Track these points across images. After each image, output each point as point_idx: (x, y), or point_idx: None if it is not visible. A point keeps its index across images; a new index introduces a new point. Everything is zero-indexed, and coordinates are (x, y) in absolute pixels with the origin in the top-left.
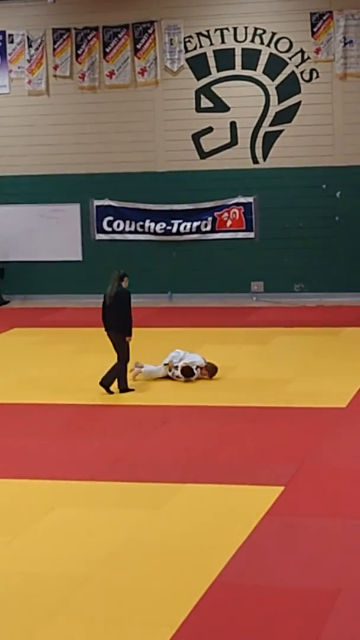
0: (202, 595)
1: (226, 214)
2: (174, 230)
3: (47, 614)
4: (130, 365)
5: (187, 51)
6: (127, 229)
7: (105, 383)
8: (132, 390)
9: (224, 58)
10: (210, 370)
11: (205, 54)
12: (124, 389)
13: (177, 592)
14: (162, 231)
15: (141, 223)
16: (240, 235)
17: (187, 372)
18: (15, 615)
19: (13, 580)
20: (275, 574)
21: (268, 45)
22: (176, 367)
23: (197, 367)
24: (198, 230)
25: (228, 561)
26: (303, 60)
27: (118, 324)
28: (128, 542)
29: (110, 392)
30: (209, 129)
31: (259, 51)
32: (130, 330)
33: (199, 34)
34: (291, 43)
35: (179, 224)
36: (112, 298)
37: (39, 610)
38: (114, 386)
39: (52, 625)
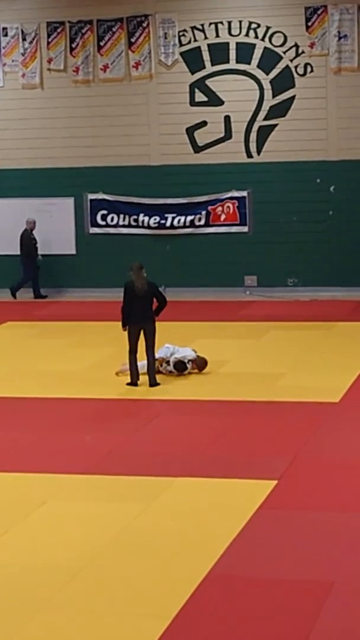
0: (195, 587)
1: (220, 208)
2: (168, 224)
3: (39, 607)
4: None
5: (181, 45)
6: (121, 222)
7: (154, 382)
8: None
9: (219, 52)
10: (200, 365)
11: (199, 47)
12: (153, 383)
13: (171, 585)
14: (156, 225)
15: (135, 217)
16: (234, 229)
17: (180, 367)
18: (7, 607)
19: (5, 573)
20: (268, 567)
21: (262, 39)
22: (167, 362)
23: (189, 360)
24: (192, 224)
25: (221, 554)
26: (297, 55)
27: (151, 316)
28: (120, 535)
29: (158, 384)
30: (203, 123)
31: (254, 45)
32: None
33: (193, 28)
34: (285, 37)
35: (173, 218)
36: (146, 291)
37: (31, 603)
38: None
39: (44, 617)
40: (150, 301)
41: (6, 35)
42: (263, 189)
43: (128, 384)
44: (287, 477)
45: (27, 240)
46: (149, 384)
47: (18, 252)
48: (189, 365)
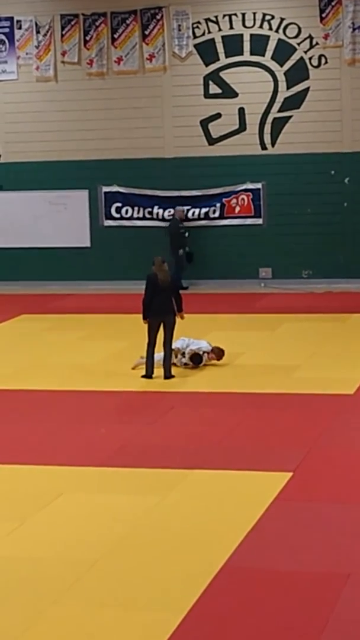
0: (210, 580)
1: (234, 200)
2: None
3: (55, 599)
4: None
5: (195, 37)
6: (135, 215)
7: (169, 375)
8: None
9: (233, 44)
10: (217, 354)
11: (213, 39)
12: (169, 375)
13: (186, 577)
14: (171, 217)
15: (149, 209)
16: (249, 221)
17: (196, 359)
18: (23, 599)
19: (21, 565)
20: (283, 559)
21: (276, 31)
22: (183, 354)
23: (204, 352)
24: (206, 216)
25: (236, 546)
26: (312, 46)
27: (172, 309)
28: (136, 527)
29: (172, 376)
30: (218, 115)
31: (268, 37)
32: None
33: (207, 20)
34: (300, 29)
35: (188, 210)
36: (169, 283)
37: (46, 595)
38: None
39: (60, 609)
40: (171, 294)
41: (20, 28)
42: (277, 181)
43: (143, 376)
44: (302, 469)
45: (175, 229)
46: (164, 376)
47: (32, 245)
48: (205, 357)
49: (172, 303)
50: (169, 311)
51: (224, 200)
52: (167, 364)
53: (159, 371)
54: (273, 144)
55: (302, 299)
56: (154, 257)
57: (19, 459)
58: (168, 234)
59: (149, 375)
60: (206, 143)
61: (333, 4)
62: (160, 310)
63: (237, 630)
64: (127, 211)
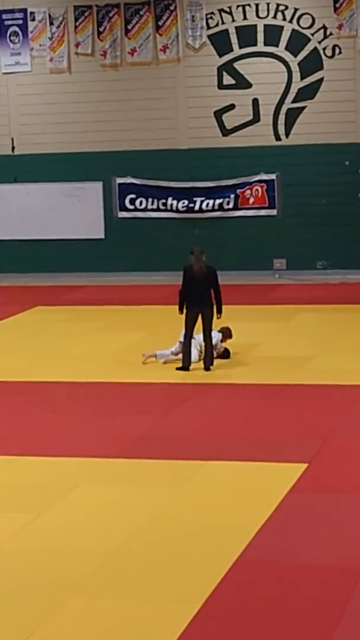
0: (226, 572)
1: (249, 191)
2: (197, 207)
3: (71, 591)
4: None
5: (209, 28)
6: (149, 206)
7: (209, 364)
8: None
9: (246, 34)
10: (228, 335)
11: (227, 30)
12: (209, 367)
13: (201, 569)
14: (185, 209)
15: (163, 201)
16: (263, 212)
17: (226, 354)
18: (40, 592)
19: (37, 557)
20: (299, 551)
21: (290, 21)
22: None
23: (219, 341)
24: (220, 207)
25: (252, 538)
26: (325, 36)
27: (210, 301)
28: (152, 519)
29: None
30: (231, 106)
31: (281, 27)
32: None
33: (220, 10)
34: (313, 19)
35: (202, 202)
36: (205, 274)
37: (63, 587)
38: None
39: (76, 601)
40: (208, 286)
41: (34, 19)
42: (292, 172)
43: (178, 368)
44: (318, 460)
45: None
46: (204, 368)
47: (46, 237)
48: (222, 346)
49: (210, 295)
50: (207, 303)
51: (238, 191)
52: (209, 355)
53: (166, 364)
54: (287, 135)
55: (317, 289)
56: (193, 248)
57: (34, 450)
58: None
59: (185, 367)
60: (220, 134)
61: None
62: (198, 302)
63: (251, 623)
64: (141, 202)
